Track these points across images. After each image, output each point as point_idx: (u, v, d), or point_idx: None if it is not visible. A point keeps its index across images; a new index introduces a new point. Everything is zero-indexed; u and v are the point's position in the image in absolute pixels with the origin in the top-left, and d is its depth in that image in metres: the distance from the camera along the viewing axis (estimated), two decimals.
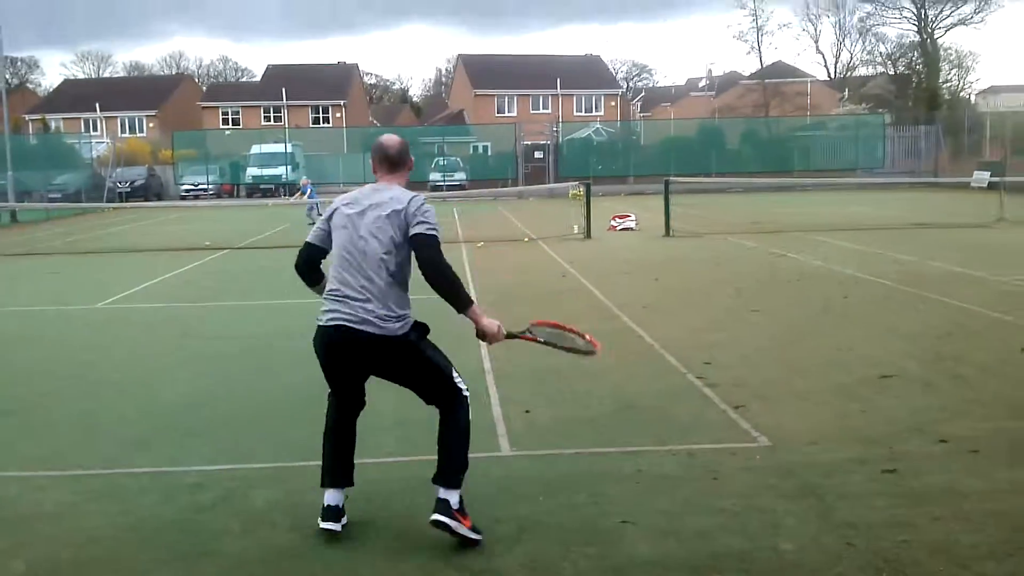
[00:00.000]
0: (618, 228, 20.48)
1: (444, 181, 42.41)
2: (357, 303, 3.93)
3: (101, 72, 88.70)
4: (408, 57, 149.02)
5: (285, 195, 35.78)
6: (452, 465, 4.05)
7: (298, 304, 11.21)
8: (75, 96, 65.76)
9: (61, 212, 30.83)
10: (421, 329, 4.09)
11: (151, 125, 62.60)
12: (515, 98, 60.66)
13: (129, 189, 41.80)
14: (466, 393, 4.16)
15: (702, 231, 19.53)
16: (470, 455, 4.16)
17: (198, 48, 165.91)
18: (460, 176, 43.65)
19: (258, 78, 74.64)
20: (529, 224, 22.77)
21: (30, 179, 34.84)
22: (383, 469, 5.07)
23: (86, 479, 5.07)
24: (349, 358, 4.04)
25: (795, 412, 6.02)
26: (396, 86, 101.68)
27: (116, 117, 62.85)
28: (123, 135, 57.56)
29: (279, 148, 43.90)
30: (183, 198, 42.76)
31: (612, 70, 74.46)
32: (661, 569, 3.84)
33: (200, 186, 44.05)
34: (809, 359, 7.52)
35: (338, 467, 4.19)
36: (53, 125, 57.68)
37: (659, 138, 49.76)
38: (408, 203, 4.01)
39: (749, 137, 47.67)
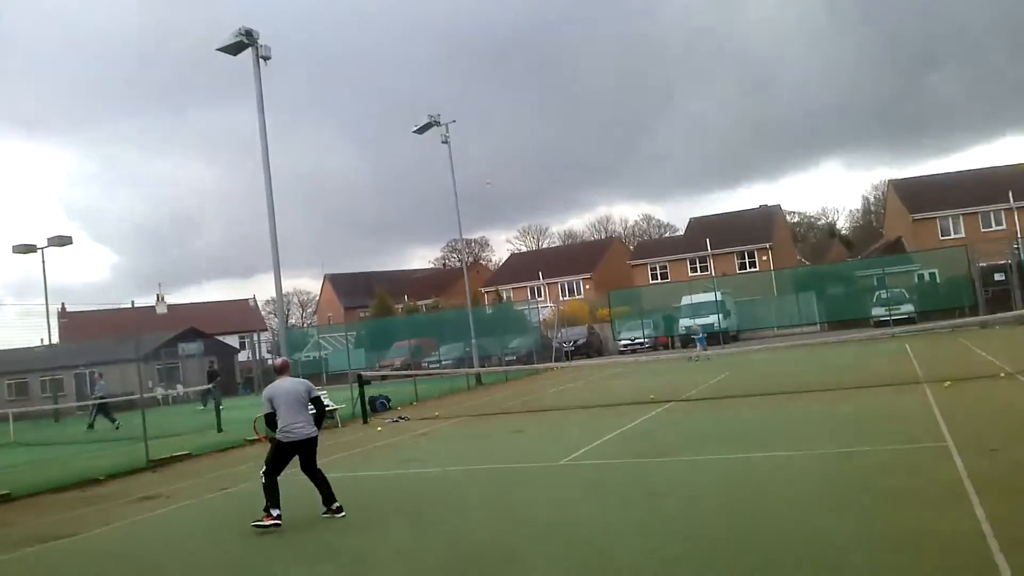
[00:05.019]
0: None
1: (890, 315, 39.34)
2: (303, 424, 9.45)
3: (540, 243, 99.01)
4: (830, 190, 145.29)
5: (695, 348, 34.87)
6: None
7: (759, 457, 10.65)
8: (520, 267, 74.08)
9: (516, 373, 33.77)
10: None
11: (587, 287, 67.56)
12: (960, 218, 55.26)
13: (573, 347, 45.11)
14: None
15: None
16: None
17: (622, 211, 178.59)
18: (908, 308, 40.27)
19: (680, 232, 77.59)
20: (1002, 356, 19.93)
21: (489, 344, 39.27)
22: None
23: None
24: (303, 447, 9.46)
25: None
26: (821, 221, 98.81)
27: (556, 282, 68.99)
28: (563, 298, 62.72)
29: (708, 297, 44.34)
30: (622, 353, 44.75)
31: None
32: None
33: (637, 340, 45.84)
34: None
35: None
36: (504, 295, 64.55)
37: None
38: (306, 384, 9.68)
39: None
